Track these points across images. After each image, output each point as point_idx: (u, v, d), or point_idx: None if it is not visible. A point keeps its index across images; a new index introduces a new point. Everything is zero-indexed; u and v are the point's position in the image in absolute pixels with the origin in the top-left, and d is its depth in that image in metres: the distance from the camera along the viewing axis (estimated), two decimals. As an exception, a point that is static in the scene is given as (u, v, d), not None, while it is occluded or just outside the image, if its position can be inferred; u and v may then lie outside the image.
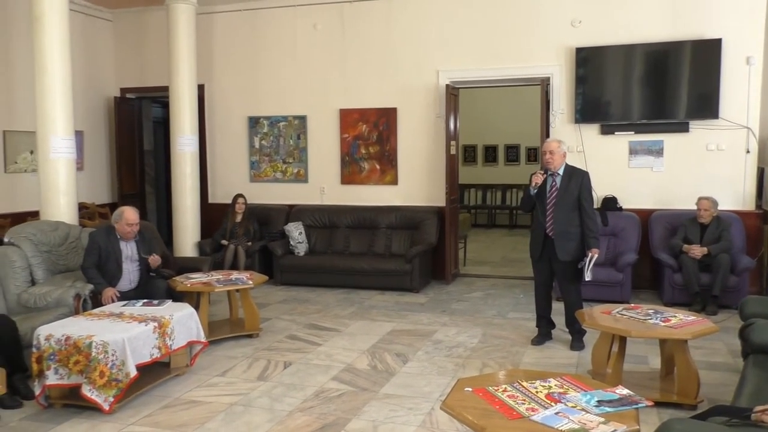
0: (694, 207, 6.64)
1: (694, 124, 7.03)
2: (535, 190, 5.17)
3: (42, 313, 4.83)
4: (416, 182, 8.14)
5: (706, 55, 6.87)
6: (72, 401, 4.10)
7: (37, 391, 4.07)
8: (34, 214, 6.81)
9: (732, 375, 4.46)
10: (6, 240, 5.35)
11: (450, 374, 4.68)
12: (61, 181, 6.27)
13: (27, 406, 4.13)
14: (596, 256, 5.08)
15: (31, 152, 7.47)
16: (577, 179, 5.16)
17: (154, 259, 5.36)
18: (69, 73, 6.28)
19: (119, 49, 9.25)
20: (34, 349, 4.08)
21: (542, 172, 5.16)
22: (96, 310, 4.66)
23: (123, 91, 9.29)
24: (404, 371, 4.77)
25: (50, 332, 4.06)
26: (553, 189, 5.16)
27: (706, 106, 6.91)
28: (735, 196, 6.96)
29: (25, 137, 7.51)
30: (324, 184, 8.52)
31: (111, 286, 5.14)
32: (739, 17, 6.85)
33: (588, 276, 5.09)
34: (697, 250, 6.34)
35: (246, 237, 7.86)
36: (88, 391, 3.93)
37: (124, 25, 9.19)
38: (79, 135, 7.32)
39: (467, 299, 7.11)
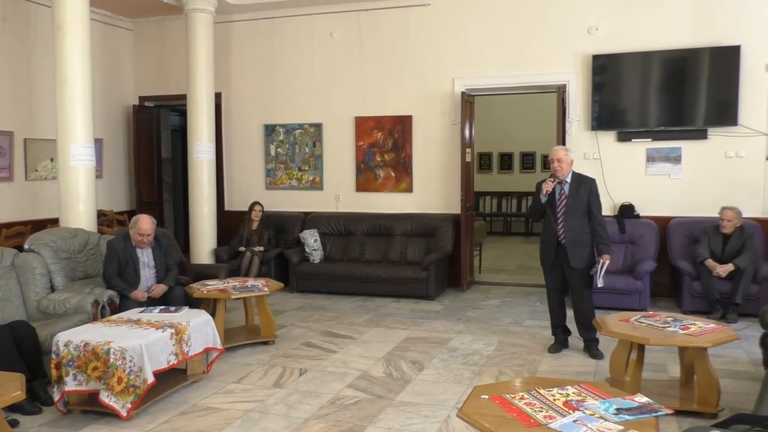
0: (714, 214, 6.56)
1: (712, 131, 6.97)
2: (545, 198, 5.16)
3: (61, 320, 4.87)
4: (431, 190, 8.13)
5: (725, 61, 6.82)
6: (91, 407, 4.13)
7: (56, 397, 4.10)
8: (54, 222, 6.89)
9: (753, 384, 4.40)
10: (26, 247, 5.42)
11: (466, 382, 4.66)
12: (81, 189, 6.32)
13: (46, 412, 4.16)
14: (608, 262, 5.13)
15: (52, 160, 7.57)
16: (586, 186, 5.18)
17: (156, 292, 5.33)
18: (89, 82, 6.35)
19: (138, 58, 9.37)
20: (53, 355, 4.12)
21: (552, 179, 5.16)
22: (114, 317, 4.69)
23: (141, 99, 9.39)
24: (420, 379, 4.76)
25: (69, 338, 4.10)
26: (563, 197, 5.17)
27: (725, 112, 6.85)
28: (754, 203, 6.87)
29: (45, 145, 7.61)
30: (339, 192, 8.54)
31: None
32: (758, 24, 6.80)
33: (600, 282, 5.14)
34: (721, 270, 6.20)
35: (260, 244, 7.88)
36: (106, 398, 3.96)
37: (144, 34, 9.30)
38: (98, 143, 7.40)
39: (483, 307, 7.08)
